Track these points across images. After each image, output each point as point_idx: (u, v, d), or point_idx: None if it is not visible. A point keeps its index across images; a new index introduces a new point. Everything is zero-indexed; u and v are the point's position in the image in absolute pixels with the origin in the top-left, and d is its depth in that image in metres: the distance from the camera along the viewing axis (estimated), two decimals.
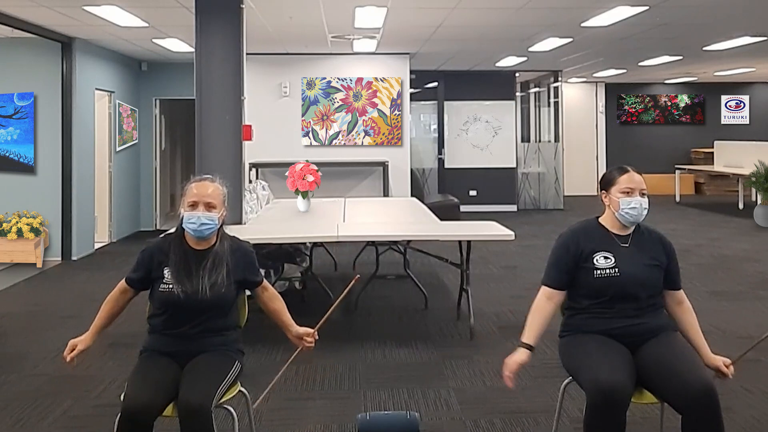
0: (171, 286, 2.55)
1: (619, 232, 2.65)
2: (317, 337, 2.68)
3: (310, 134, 9.56)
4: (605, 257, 2.58)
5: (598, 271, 2.57)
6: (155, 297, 2.61)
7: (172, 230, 2.77)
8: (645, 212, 2.61)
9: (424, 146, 12.00)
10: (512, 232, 4.53)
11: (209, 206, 2.60)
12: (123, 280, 2.68)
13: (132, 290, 2.68)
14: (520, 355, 2.56)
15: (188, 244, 2.64)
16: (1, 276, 6.84)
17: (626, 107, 14.57)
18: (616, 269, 2.56)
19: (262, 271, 5.78)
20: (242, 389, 2.65)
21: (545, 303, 2.65)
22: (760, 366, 4.05)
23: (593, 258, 2.59)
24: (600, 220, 2.71)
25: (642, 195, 2.60)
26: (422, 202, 7.00)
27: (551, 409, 3.23)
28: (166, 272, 2.58)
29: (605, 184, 2.70)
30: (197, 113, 5.19)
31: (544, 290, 2.67)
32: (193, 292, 2.53)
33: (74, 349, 2.56)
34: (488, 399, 3.60)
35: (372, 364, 4.18)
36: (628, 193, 2.59)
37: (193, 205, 2.60)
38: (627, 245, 2.62)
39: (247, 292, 2.81)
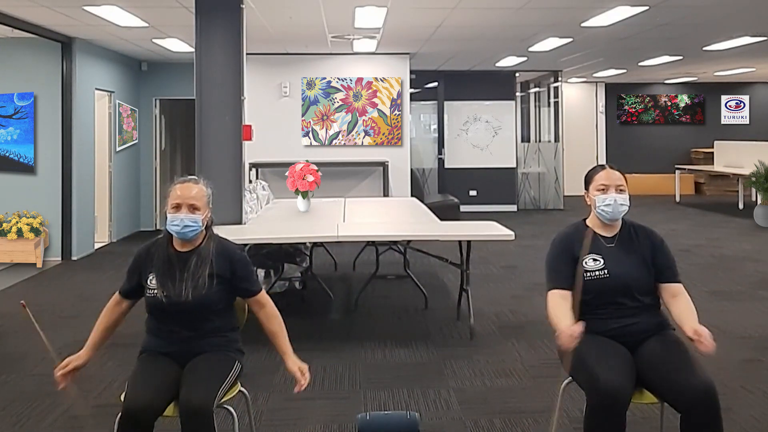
0: (155, 290, 2.55)
1: (605, 232, 2.67)
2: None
3: (310, 134, 9.55)
4: (594, 259, 2.59)
5: (588, 274, 2.57)
6: (145, 301, 2.62)
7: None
8: (623, 208, 2.61)
9: (424, 146, 12.00)
10: (512, 232, 4.53)
11: (192, 208, 2.58)
12: (117, 292, 2.67)
13: (127, 301, 2.67)
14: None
15: (174, 247, 2.63)
16: (1, 276, 6.83)
17: (626, 107, 14.56)
18: (605, 270, 2.57)
19: (262, 272, 5.86)
20: (242, 389, 2.65)
21: (561, 300, 2.55)
22: (761, 366, 4.05)
23: (583, 261, 2.59)
24: (587, 222, 2.74)
25: (619, 191, 2.61)
26: (422, 202, 7.00)
27: (551, 409, 3.22)
28: (151, 277, 2.58)
29: (585, 183, 2.74)
30: (197, 113, 5.19)
31: (555, 292, 2.58)
32: (176, 296, 2.52)
33: (67, 366, 2.46)
34: (488, 399, 3.60)
35: (372, 364, 4.18)
36: (603, 190, 2.62)
37: (177, 207, 2.58)
38: (613, 245, 2.63)
39: None
